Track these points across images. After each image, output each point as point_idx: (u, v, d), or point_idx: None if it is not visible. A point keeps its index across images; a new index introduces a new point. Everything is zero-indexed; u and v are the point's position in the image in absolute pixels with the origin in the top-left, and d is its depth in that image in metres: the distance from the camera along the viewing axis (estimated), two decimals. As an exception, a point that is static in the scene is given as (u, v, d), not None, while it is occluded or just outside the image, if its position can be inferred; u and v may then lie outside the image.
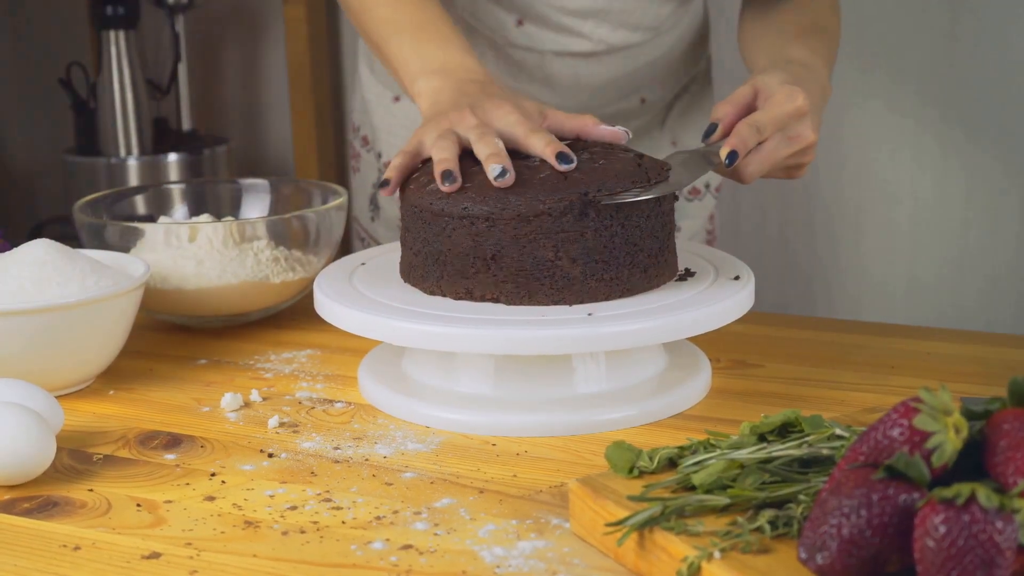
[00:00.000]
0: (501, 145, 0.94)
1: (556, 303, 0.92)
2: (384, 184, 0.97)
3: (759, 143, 1.01)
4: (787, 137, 1.02)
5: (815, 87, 1.06)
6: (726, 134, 1.01)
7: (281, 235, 1.16)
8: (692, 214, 1.47)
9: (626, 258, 0.92)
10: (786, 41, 1.15)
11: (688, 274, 0.98)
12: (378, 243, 1.48)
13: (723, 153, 0.98)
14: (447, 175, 0.92)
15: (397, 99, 1.43)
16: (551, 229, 0.90)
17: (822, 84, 1.09)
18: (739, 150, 0.98)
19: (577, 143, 0.98)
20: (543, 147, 0.93)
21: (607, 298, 0.92)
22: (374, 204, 1.48)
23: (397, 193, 0.99)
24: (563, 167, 0.92)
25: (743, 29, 1.26)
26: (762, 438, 0.76)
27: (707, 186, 1.47)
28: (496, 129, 0.96)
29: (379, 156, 1.46)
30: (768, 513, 0.67)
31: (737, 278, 0.96)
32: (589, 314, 0.89)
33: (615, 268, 0.92)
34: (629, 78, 1.35)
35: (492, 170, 0.91)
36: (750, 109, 1.03)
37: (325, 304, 0.96)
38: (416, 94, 1.07)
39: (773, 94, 1.02)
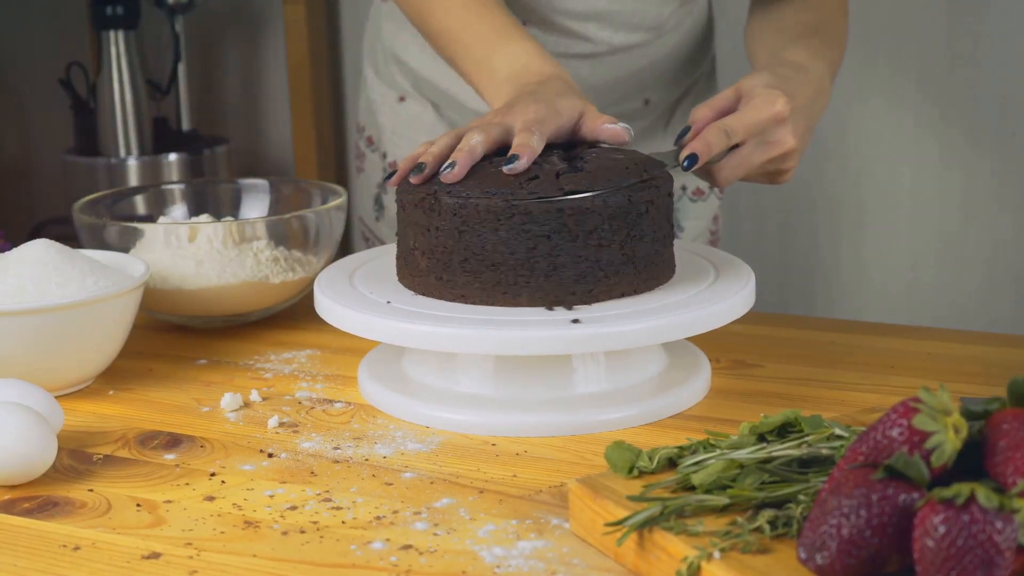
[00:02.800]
0: (477, 142, 0.94)
1: (409, 288, 0.96)
2: (420, 168, 0.96)
3: (735, 147, 1.00)
4: (765, 142, 1.00)
5: (805, 91, 1.05)
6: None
7: (281, 235, 1.16)
8: (695, 215, 1.46)
9: (463, 264, 0.91)
10: (786, 41, 1.14)
11: (572, 313, 0.90)
12: (382, 242, 1.49)
13: (682, 156, 0.96)
14: (418, 166, 0.95)
15: (402, 99, 1.43)
16: (411, 220, 0.95)
17: (817, 87, 1.07)
18: (700, 153, 0.96)
19: (589, 145, 0.98)
20: (513, 146, 0.93)
21: (441, 298, 0.93)
22: (378, 204, 1.48)
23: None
24: (505, 167, 0.91)
25: (748, 27, 1.25)
26: (762, 438, 0.76)
27: (711, 187, 1.47)
28: (508, 126, 0.96)
29: (384, 156, 1.46)
30: (768, 513, 0.67)
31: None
32: (387, 301, 0.92)
33: (451, 272, 0.92)
34: (632, 79, 1.35)
35: (448, 163, 0.93)
36: (731, 112, 1.02)
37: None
38: (491, 107, 1.08)
39: (753, 98, 1.00)
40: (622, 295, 0.93)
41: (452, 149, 0.96)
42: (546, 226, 0.90)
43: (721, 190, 1.02)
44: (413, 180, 0.94)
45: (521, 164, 0.91)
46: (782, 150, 1.01)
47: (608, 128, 0.98)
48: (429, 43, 1.17)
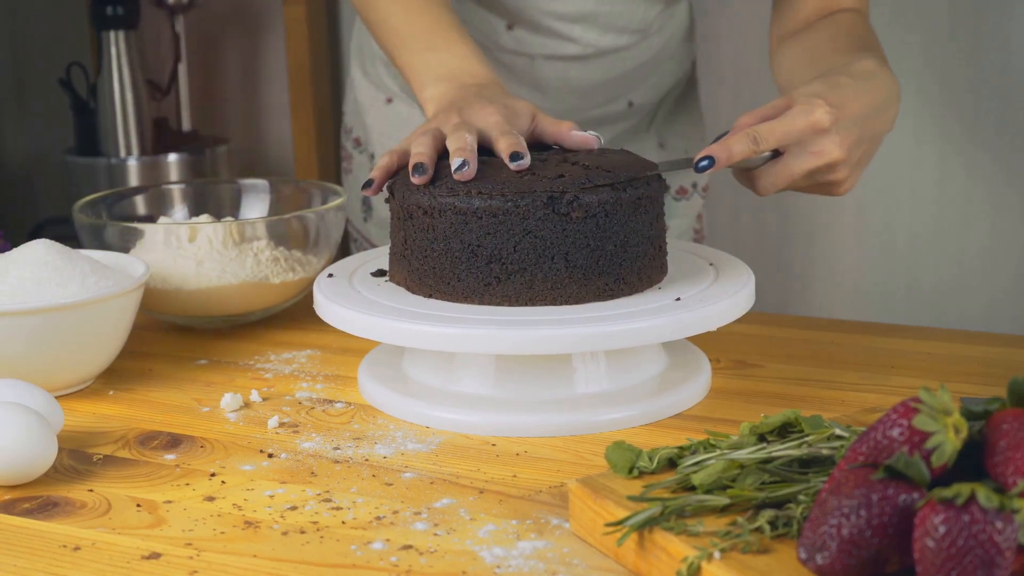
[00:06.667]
0: (471, 140, 0.94)
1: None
2: (368, 184, 0.98)
3: (776, 154, 0.96)
4: (806, 152, 0.95)
5: (863, 99, 0.98)
6: None
7: (281, 235, 1.16)
8: (680, 213, 1.47)
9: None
10: (848, 52, 1.08)
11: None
12: (371, 243, 1.49)
13: (698, 155, 0.94)
14: (418, 167, 0.94)
15: (389, 100, 1.44)
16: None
17: (883, 96, 1.01)
18: (718, 157, 0.93)
19: (561, 150, 0.99)
20: (505, 147, 0.94)
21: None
22: (366, 205, 1.49)
23: (386, 194, 1.01)
24: (513, 164, 0.92)
25: (783, 55, 1.17)
26: (762, 438, 0.76)
27: (694, 185, 1.48)
28: (477, 128, 0.96)
29: (372, 157, 1.47)
30: (768, 513, 0.67)
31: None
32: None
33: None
34: (617, 81, 1.35)
35: (454, 163, 0.92)
36: None
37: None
38: (424, 101, 1.08)
39: (794, 106, 0.95)
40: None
41: (436, 148, 0.96)
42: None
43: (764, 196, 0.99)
44: (417, 181, 0.93)
45: (527, 160, 0.92)
46: (824, 161, 0.96)
47: (577, 135, 0.98)
48: (369, 31, 1.18)
